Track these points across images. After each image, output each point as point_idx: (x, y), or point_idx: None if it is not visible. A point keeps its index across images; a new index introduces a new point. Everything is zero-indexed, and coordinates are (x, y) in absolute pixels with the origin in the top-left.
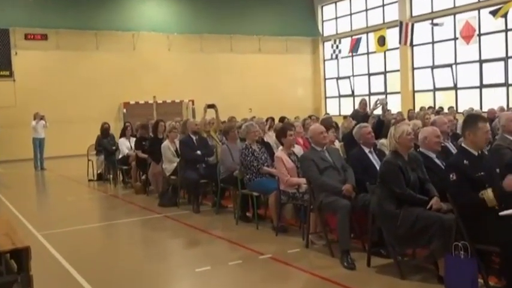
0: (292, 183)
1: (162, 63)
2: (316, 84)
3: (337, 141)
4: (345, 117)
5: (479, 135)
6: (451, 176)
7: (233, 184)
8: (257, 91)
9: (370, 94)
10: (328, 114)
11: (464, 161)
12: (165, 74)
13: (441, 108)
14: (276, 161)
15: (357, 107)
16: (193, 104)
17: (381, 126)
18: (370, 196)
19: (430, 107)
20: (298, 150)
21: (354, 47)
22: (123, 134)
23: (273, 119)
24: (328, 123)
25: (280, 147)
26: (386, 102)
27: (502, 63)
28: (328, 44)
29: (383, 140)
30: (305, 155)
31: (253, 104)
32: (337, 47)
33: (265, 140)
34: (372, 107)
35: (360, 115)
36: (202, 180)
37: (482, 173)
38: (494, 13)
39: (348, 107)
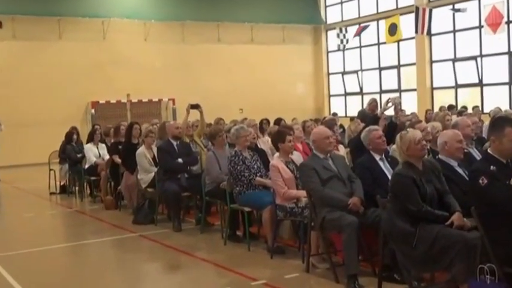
0: (291, 196)
1: (137, 55)
2: (318, 80)
3: (342, 146)
4: (351, 118)
5: (505, 142)
6: (480, 181)
7: (220, 198)
8: (249, 89)
9: (381, 92)
10: (336, 114)
11: (491, 167)
12: (141, 69)
13: (464, 108)
14: (271, 170)
15: (365, 106)
16: (173, 103)
17: (394, 130)
18: (381, 211)
19: (451, 107)
20: (297, 157)
21: (360, 32)
22: (90, 139)
23: (267, 121)
24: (330, 124)
25: (276, 154)
26: (400, 102)
27: None
28: (332, 33)
29: (395, 146)
30: (305, 163)
31: (244, 104)
32: (344, 36)
33: (259, 146)
34: (383, 106)
35: (370, 116)
36: (184, 193)
37: None
38: None
39: (355, 107)
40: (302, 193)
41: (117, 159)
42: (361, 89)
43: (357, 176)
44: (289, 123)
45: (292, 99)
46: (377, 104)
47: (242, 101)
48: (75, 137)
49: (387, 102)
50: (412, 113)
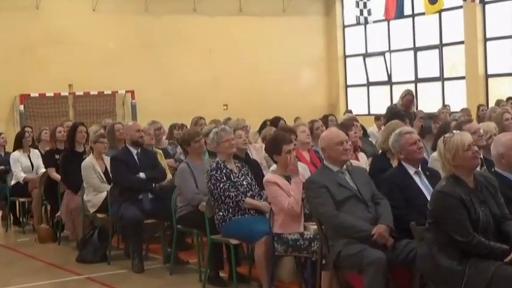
0: (296, 200)
1: (82, 32)
2: (331, 66)
3: (363, 155)
4: (377, 118)
5: None
6: None
7: (197, 226)
8: (236, 77)
9: (417, 81)
10: (350, 112)
11: None
12: (88, 50)
13: None
14: (266, 187)
15: (396, 101)
16: (133, 97)
17: (443, 132)
18: (417, 244)
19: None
20: (302, 170)
21: (397, 9)
22: (18, 146)
23: (264, 123)
24: (348, 125)
25: (273, 166)
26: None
27: None
28: (350, 2)
29: (437, 154)
30: (313, 179)
31: (230, 98)
32: (364, 5)
33: (251, 155)
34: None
35: (401, 114)
36: (147, 219)
37: None
38: None
39: (381, 102)
40: None
41: (55, 174)
42: (389, 77)
43: (383, 195)
44: (292, 124)
45: (296, 91)
46: (413, 97)
47: (227, 94)
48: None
49: None
50: (462, 110)
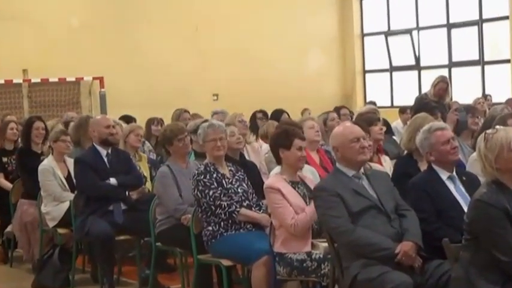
0: (306, 222)
1: (40, 7)
2: (346, 47)
3: (386, 157)
4: (402, 110)
5: None
6: None
7: (181, 243)
8: (228, 61)
9: (451, 65)
10: (373, 103)
11: None
12: (47, 29)
13: None
14: (267, 194)
15: (425, 90)
16: (102, 85)
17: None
18: (451, 265)
19: None
20: (310, 174)
21: None
22: None
23: (265, 115)
24: (369, 119)
25: (277, 169)
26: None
27: None
28: None
29: (476, 154)
30: (324, 186)
31: (221, 87)
32: None
33: (247, 156)
34: None
35: (431, 106)
36: (120, 235)
37: None
38: None
39: (408, 91)
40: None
41: (3, 181)
42: (417, 60)
43: (410, 205)
44: (299, 119)
45: (302, 79)
46: (447, 85)
47: (217, 83)
48: None
49: None
50: (507, 100)
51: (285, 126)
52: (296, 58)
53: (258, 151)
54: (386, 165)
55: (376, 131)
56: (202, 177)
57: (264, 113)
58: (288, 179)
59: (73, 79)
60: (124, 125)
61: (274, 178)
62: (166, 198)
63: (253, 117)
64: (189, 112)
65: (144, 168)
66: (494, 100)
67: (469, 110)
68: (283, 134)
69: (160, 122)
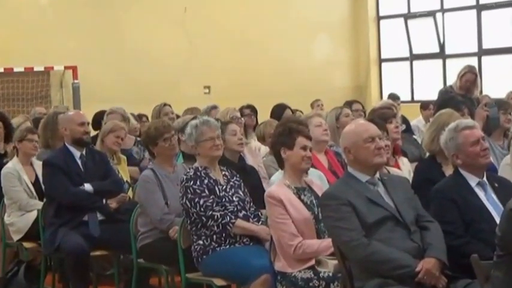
0: (311, 252)
1: None
2: (358, 32)
3: (405, 160)
4: (424, 106)
5: None
6: None
7: (167, 260)
8: (222, 49)
9: (481, 53)
10: (394, 97)
11: None
12: (11, 11)
13: None
14: (268, 205)
15: (451, 82)
16: (75, 76)
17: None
18: (481, 285)
19: None
20: (317, 179)
21: None
22: None
23: (253, 111)
24: (386, 115)
25: (278, 173)
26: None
27: None
28: None
29: (510, 157)
30: (333, 193)
31: (213, 78)
32: None
33: (246, 159)
34: None
35: (458, 101)
36: (96, 251)
37: None
38: None
39: (431, 83)
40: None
41: None
42: (442, 47)
43: (433, 216)
44: (304, 115)
45: (307, 69)
46: (476, 76)
47: (209, 73)
48: None
49: None
50: None
51: (288, 123)
52: (300, 45)
53: (256, 153)
54: (405, 168)
55: (392, 130)
56: (191, 183)
57: (253, 108)
58: (292, 184)
59: (41, 68)
60: (133, 120)
61: (277, 186)
62: (149, 207)
63: (240, 113)
64: (170, 106)
65: (123, 173)
66: None
67: (501, 105)
68: (285, 131)
69: (141, 118)
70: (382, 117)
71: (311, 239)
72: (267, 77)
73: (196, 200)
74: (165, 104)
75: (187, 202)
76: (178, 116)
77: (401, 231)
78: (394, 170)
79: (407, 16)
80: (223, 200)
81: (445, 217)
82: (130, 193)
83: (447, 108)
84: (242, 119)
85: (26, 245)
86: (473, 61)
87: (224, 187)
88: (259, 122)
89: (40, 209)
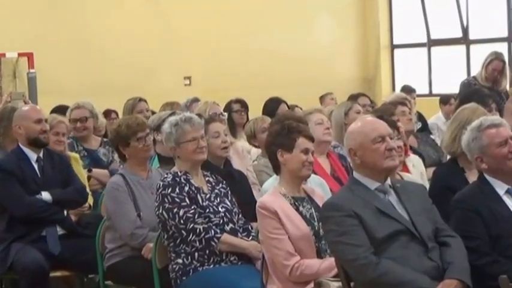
0: (311, 273)
1: None
2: (366, 13)
3: (420, 160)
4: (444, 100)
5: None
6: None
7: (139, 282)
8: (205, 34)
9: (511, 38)
10: (409, 89)
11: None
12: None
13: None
14: (260, 218)
15: (475, 72)
16: (31, 64)
17: None
18: None
19: None
20: (318, 186)
21: None
22: None
23: (243, 106)
24: (385, 112)
25: (272, 180)
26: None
27: None
28: None
29: None
30: (337, 203)
31: (194, 67)
32: None
33: (232, 162)
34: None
35: (483, 94)
36: (55, 271)
37: None
38: None
39: (452, 73)
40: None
41: None
42: (465, 31)
43: (454, 230)
44: (303, 111)
45: (307, 57)
46: (504, 64)
47: (190, 62)
48: None
49: None
50: None
51: (287, 121)
52: (299, 29)
53: (244, 154)
54: (416, 171)
55: (400, 115)
56: (169, 190)
57: (243, 103)
58: (288, 194)
59: None
60: (101, 118)
61: (271, 195)
62: (118, 220)
63: (228, 109)
64: (146, 101)
65: (80, 177)
66: None
67: None
68: (283, 130)
69: (109, 114)
70: (383, 110)
71: (310, 258)
72: (259, 66)
73: (175, 210)
74: (140, 99)
75: (164, 213)
76: (154, 112)
77: (417, 247)
78: (408, 176)
79: None
80: (207, 210)
81: (468, 231)
82: (90, 200)
83: (471, 103)
84: (225, 114)
85: None
86: (502, 47)
87: (208, 196)
88: (250, 118)
89: None
